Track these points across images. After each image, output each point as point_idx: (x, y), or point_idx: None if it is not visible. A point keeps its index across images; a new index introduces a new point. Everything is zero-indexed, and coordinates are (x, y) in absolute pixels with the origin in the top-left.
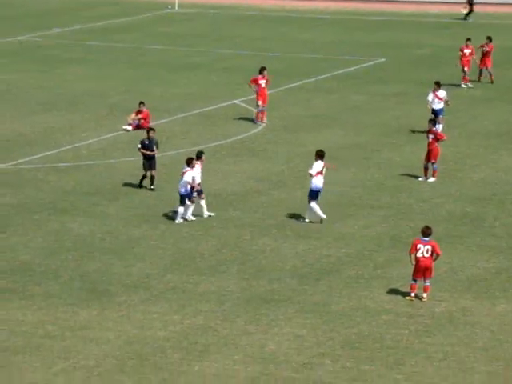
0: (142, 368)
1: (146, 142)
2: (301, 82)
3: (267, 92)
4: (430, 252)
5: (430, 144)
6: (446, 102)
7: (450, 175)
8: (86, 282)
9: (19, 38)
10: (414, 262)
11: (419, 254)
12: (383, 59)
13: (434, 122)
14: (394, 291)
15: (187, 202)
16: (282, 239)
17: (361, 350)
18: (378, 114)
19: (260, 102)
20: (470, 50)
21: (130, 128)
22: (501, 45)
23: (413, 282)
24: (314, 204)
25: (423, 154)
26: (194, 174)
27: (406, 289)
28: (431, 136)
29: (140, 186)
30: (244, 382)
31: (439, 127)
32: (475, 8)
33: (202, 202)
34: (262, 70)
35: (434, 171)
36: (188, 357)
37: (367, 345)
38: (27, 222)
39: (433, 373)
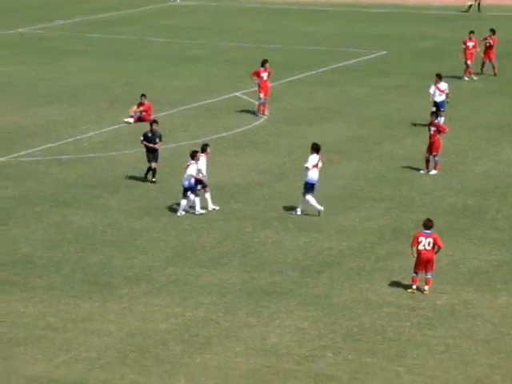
0: (143, 360)
1: (149, 135)
2: (302, 75)
3: (269, 84)
4: (431, 245)
5: (431, 136)
6: (446, 95)
7: (452, 168)
8: (87, 275)
9: (20, 30)
10: (415, 255)
11: (421, 247)
12: (385, 52)
13: (435, 114)
14: (395, 284)
15: (190, 195)
16: (284, 232)
17: (362, 342)
18: (380, 107)
19: (262, 95)
20: (473, 43)
21: (131, 120)
22: (504, 37)
23: (414, 274)
24: (309, 197)
25: (425, 147)
26: (199, 167)
27: (407, 281)
28: (433, 128)
29: (145, 178)
30: (245, 374)
31: (441, 120)
32: None
33: (207, 195)
34: (263, 63)
35: (436, 164)
36: (189, 349)
37: (369, 337)
38: (29, 215)
39: (434, 365)
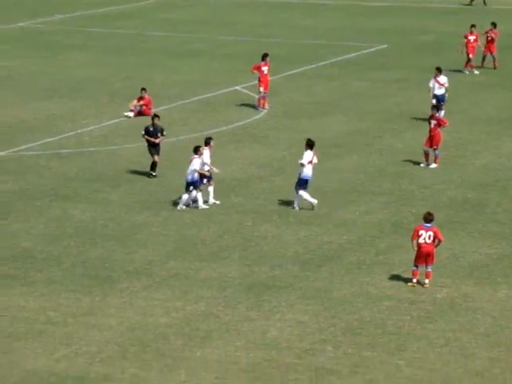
0: (144, 354)
1: (151, 129)
2: (302, 69)
3: (269, 78)
4: (431, 238)
5: (432, 130)
6: (445, 90)
7: (452, 161)
8: (88, 269)
9: (20, 24)
10: (415, 248)
11: (421, 240)
12: (385, 45)
13: (436, 107)
14: (395, 277)
15: (193, 191)
16: (284, 225)
17: (362, 336)
18: (380, 101)
19: (262, 89)
20: (474, 37)
21: (131, 114)
22: (504, 30)
23: (414, 268)
24: (302, 191)
25: (424, 140)
26: (204, 160)
27: (407, 275)
28: (433, 122)
29: (150, 173)
30: (246, 368)
31: (441, 113)
32: None
33: (210, 189)
34: (264, 57)
35: (436, 157)
36: (190, 343)
37: (369, 331)
38: (29, 209)
39: (434, 358)
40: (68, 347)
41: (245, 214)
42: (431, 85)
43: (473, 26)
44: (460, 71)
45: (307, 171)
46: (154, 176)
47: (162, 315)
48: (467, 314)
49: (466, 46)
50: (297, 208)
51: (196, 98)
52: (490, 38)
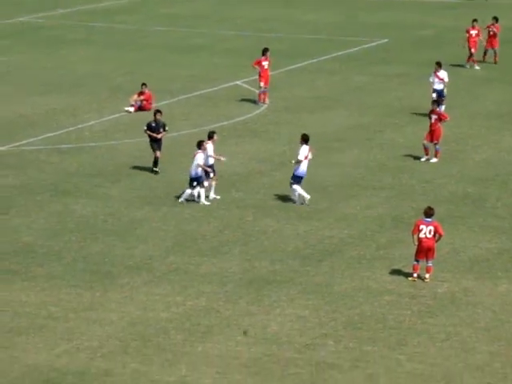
0: (145, 349)
1: (153, 125)
2: (303, 63)
3: (269, 73)
4: (432, 233)
5: (432, 125)
6: (443, 85)
7: (452, 156)
8: (88, 264)
9: (21, 19)
10: (416, 243)
11: (422, 235)
12: (386, 40)
13: (437, 102)
14: (396, 272)
15: (198, 185)
16: (285, 220)
17: (363, 330)
18: (381, 95)
19: (262, 83)
20: (476, 31)
21: (132, 109)
22: (505, 25)
23: (415, 262)
24: (296, 186)
25: (425, 134)
26: (208, 154)
27: (408, 269)
28: (434, 117)
29: (153, 169)
30: (246, 362)
31: (441, 108)
32: None
33: (213, 183)
34: (264, 52)
35: (437, 152)
36: (191, 338)
37: (370, 325)
38: (30, 204)
39: (435, 353)
40: (69, 342)
41: (245, 208)
42: (431, 80)
43: (475, 20)
44: (461, 66)
45: (303, 167)
46: (157, 172)
47: (163, 310)
48: (468, 308)
49: (468, 41)
50: (298, 203)
51: (197, 93)
52: (491, 33)
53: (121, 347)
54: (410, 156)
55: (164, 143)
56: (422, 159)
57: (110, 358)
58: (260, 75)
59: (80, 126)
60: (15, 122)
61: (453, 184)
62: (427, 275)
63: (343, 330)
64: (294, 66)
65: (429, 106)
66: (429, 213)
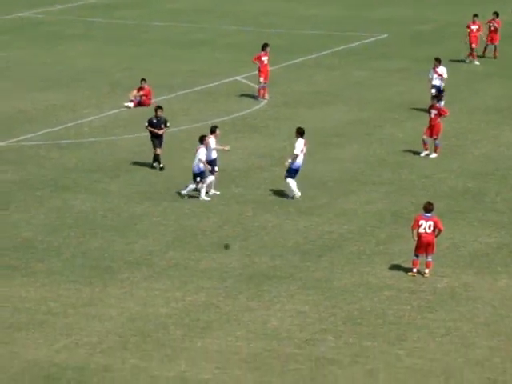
0: (144, 345)
1: (154, 121)
2: (302, 59)
3: (269, 68)
4: (432, 228)
5: (432, 120)
6: (441, 80)
7: (452, 151)
8: (88, 259)
9: (20, 14)
10: (416, 238)
11: (421, 230)
12: (385, 35)
13: (437, 97)
14: (396, 267)
15: (199, 181)
16: (284, 216)
17: (363, 325)
18: (381, 90)
19: (262, 79)
20: (477, 26)
21: (131, 105)
22: (505, 19)
23: (415, 257)
24: (289, 180)
25: (424, 129)
26: (210, 149)
27: (408, 264)
28: (434, 112)
29: (153, 166)
30: (246, 358)
31: (441, 103)
32: None
33: (210, 178)
34: (264, 47)
35: (436, 147)
36: (190, 333)
37: (369, 321)
38: (29, 199)
39: (435, 348)
40: (68, 338)
41: (245, 204)
42: (430, 76)
43: (475, 15)
44: (460, 61)
45: (299, 160)
46: (162, 168)
47: (163, 305)
48: (467, 303)
49: (469, 36)
50: (297, 197)
51: (197, 88)
52: (492, 28)
53: (120, 343)
54: (410, 151)
55: (164, 139)
56: (422, 154)
57: (110, 353)
58: (260, 70)
59: (79, 122)
60: (15, 117)
61: (452, 179)
62: (427, 270)
63: (343, 325)
64: (293, 61)
65: (428, 101)
66: (428, 208)
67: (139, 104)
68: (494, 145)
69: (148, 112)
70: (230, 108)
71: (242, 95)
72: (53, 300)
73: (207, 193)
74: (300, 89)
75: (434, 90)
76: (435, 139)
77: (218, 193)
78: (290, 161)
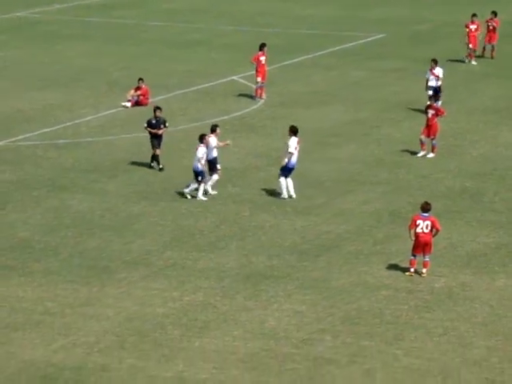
0: (142, 344)
1: (153, 121)
2: (300, 58)
3: (267, 68)
4: (429, 227)
5: (429, 120)
6: (437, 81)
7: (450, 151)
8: (85, 259)
9: (18, 13)
10: (413, 238)
11: (419, 230)
12: (382, 35)
13: (434, 97)
14: (393, 267)
15: (201, 180)
16: (282, 215)
17: (360, 325)
18: (378, 90)
19: (259, 79)
20: (475, 26)
21: (128, 104)
22: (504, 19)
23: (412, 257)
24: (282, 179)
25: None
26: (211, 147)
27: (405, 264)
28: (431, 112)
29: (151, 166)
30: (244, 358)
31: (438, 103)
32: None
33: (215, 177)
34: (262, 47)
35: (434, 147)
36: (188, 333)
37: (367, 320)
38: (26, 199)
39: (432, 348)
40: (66, 338)
41: (242, 203)
42: (427, 77)
43: (474, 15)
44: (458, 61)
45: (293, 159)
46: (162, 169)
47: (160, 305)
48: (465, 303)
49: (468, 36)
50: (294, 195)
51: (194, 88)
52: (491, 27)
53: (117, 342)
54: (407, 151)
55: (163, 139)
56: (419, 154)
57: (107, 353)
58: (257, 70)
59: (77, 122)
60: (12, 117)
61: (450, 179)
62: (424, 270)
63: (340, 325)
64: (290, 61)
65: (425, 101)
66: (426, 208)
67: (137, 104)
68: (491, 145)
69: (145, 112)
70: (228, 108)
71: (240, 95)
72: (50, 300)
73: (205, 194)
74: (297, 89)
75: (430, 92)
76: (432, 139)
77: (215, 192)
78: (286, 160)
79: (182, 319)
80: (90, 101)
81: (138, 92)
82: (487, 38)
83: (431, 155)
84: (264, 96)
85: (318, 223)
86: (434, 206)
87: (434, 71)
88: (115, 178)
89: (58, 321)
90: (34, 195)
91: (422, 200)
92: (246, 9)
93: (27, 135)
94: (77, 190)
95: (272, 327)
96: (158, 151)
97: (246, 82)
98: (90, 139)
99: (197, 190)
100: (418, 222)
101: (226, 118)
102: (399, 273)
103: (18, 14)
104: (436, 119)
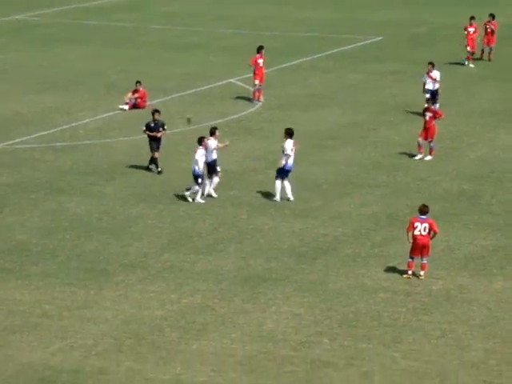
0: (139, 347)
1: (152, 125)
2: (297, 61)
3: (264, 71)
4: (427, 230)
5: (427, 122)
6: (434, 84)
7: (447, 153)
8: (83, 262)
9: (17, 16)
10: (411, 240)
11: (416, 232)
12: (380, 37)
13: (432, 100)
14: (391, 269)
15: (201, 183)
16: (280, 218)
17: (358, 328)
18: (375, 93)
19: (257, 81)
20: (473, 29)
21: (126, 107)
22: (502, 21)
23: (410, 259)
24: (278, 182)
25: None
26: (210, 149)
27: (403, 267)
28: (429, 114)
29: (148, 168)
30: (242, 360)
31: (436, 106)
32: None
33: (216, 180)
34: (259, 49)
35: (431, 150)
36: (186, 336)
37: (364, 323)
38: (24, 202)
39: (430, 350)
40: (63, 340)
41: (240, 206)
42: (424, 80)
43: (472, 17)
44: (455, 64)
45: (290, 161)
46: (160, 172)
47: (158, 308)
48: (463, 305)
49: (466, 39)
50: (291, 198)
51: (192, 91)
52: (489, 30)
53: (115, 345)
54: (405, 154)
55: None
56: (416, 158)
57: (105, 356)
58: (255, 73)
59: (74, 124)
60: (11, 120)
61: (448, 181)
62: (422, 272)
63: (338, 327)
64: (287, 64)
65: (423, 104)
66: (423, 210)
67: (134, 106)
68: (489, 148)
69: (143, 114)
70: (225, 110)
71: (237, 98)
72: (48, 303)
73: (203, 194)
74: (295, 91)
75: (428, 95)
76: (430, 142)
77: (216, 196)
78: (283, 162)
79: (179, 322)
80: (88, 104)
81: (136, 95)
82: (485, 41)
83: (429, 158)
84: (262, 99)
85: (316, 226)
86: (431, 208)
87: (431, 74)
88: (113, 181)
89: (55, 323)
90: (31, 198)
91: (419, 202)
92: (244, 12)
93: (25, 138)
94: (74, 193)
95: (270, 330)
96: (156, 154)
97: (243, 85)
98: (87, 142)
99: (196, 192)
100: (416, 224)
101: (223, 120)
102: (397, 275)
103: (17, 17)
104: (434, 122)
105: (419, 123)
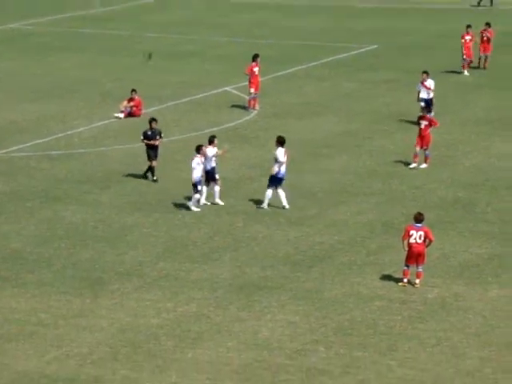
0: (135, 355)
1: (149, 133)
2: (293, 69)
3: (260, 79)
4: (422, 238)
5: (422, 130)
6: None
7: (442, 161)
8: (78, 270)
9: (11, 25)
10: (406, 248)
11: (412, 240)
12: (375, 46)
13: (427, 109)
14: (386, 277)
15: (200, 190)
16: (275, 226)
17: (354, 336)
18: (369, 102)
19: (252, 90)
20: (470, 37)
21: (121, 115)
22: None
23: (405, 267)
24: (269, 190)
25: (414, 141)
26: (208, 158)
27: (398, 275)
28: (424, 122)
29: (145, 176)
30: (237, 369)
31: (430, 114)
32: None
33: (217, 188)
34: (255, 58)
35: (426, 157)
36: (181, 344)
37: (360, 331)
38: (19, 210)
39: (426, 358)
40: (59, 349)
41: (235, 214)
42: (418, 89)
43: (468, 26)
44: (451, 72)
45: (283, 169)
46: (156, 181)
47: (153, 316)
48: (458, 313)
49: (464, 47)
50: (287, 206)
51: (187, 99)
52: (485, 38)
53: (111, 354)
54: (400, 162)
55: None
56: (411, 166)
57: (100, 364)
58: (250, 81)
59: (69, 133)
60: (5, 128)
61: (443, 189)
62: (417, 280)
63: (334, 335)
64: (283, 72)
65: (417, 113)
66: (419, 218)
67: (129, 115)
68: (484, 156)
69: (138, 123)
70: (221, 119)
71: (233, 106)
72: (43, 311)
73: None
74: (290, 100)
75: (422, 103)
76: (425, 150)
77: (209, 203)
78: (276, 169)
79: (175, 330)
80: (83, 112)
81: (131, 103)
82: (482, 49)
83: (424, 166)
84: (257, 107)
85: (311, 234)
86: (426, 216)
87: (425, 83)
88: (108, 189)
89: (51, 332)
90: (27, 206)
91: (414, 210)
92: (239, 20)
93: (20, 146)
94: (70, 201)
95: (265, 338)
96: (154, 163)
97: (238, 93)
98: (82, 150)
99: (190, 200)
100: (411, 232)
101: (219, 128)
102: (392, 283)
103: (10, 26)
104: (429, 130)
105: (413, 132)
